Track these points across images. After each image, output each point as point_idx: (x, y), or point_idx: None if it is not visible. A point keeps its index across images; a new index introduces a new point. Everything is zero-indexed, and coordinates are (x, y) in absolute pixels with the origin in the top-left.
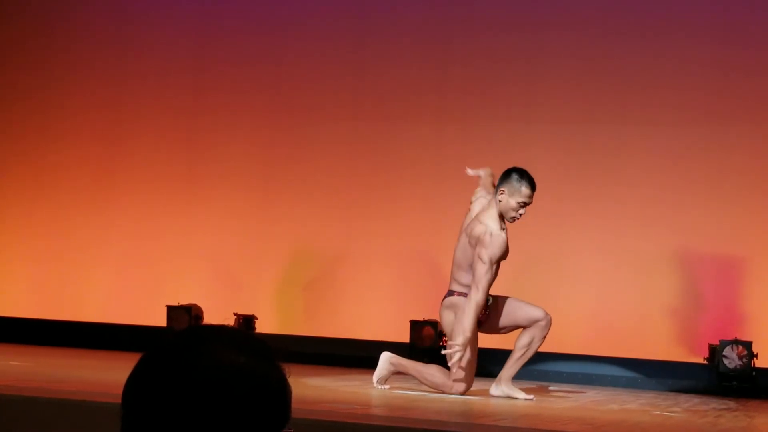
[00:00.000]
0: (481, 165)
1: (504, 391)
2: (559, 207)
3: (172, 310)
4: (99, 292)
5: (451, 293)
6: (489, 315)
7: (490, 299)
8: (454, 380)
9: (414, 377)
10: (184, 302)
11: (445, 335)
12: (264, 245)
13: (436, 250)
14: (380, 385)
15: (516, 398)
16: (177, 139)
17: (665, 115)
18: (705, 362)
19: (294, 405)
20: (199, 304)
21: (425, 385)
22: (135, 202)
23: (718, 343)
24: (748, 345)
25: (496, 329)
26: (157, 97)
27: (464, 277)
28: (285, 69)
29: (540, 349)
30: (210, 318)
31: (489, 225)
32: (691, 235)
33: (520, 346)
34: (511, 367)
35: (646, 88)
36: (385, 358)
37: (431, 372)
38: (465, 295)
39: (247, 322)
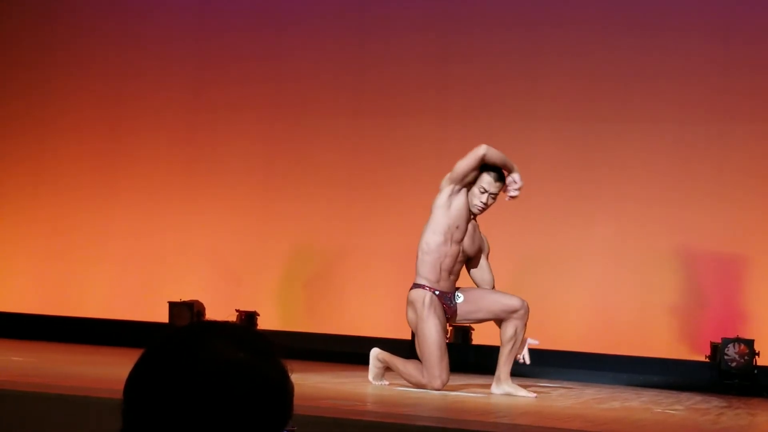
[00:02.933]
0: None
1: (505, 390)
2: (560, 204)
3: (174, 307)
4: (101, 288)
5: (410, 287)
6: (456, 310)
7: (460, 297)
8: (428, 379)
9: (396, 373)
10: (186, 298)
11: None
12: (266, 242)
13: None
14: (376, 382)
15: (518, 396)
16: (178, 136)
17: (667, 112)
18: (707, 360)
19: (295, 401)
20: (201, 300)
21: (405, 381)
22: (137, 199)
23: (720, 341)
24: (749, 343)
25: (471, 319)
26: (158, 93)
27: (419, 267)
28: (286, 65)
29: (541, 347)
30: (212, 314)
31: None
32: (693, 233)
33: (507, 339)
34: (505, 363)
35: (648, 86)
36: (374, 354)
37: (409, 370)
38: (419, 287)
39: (248, 318)
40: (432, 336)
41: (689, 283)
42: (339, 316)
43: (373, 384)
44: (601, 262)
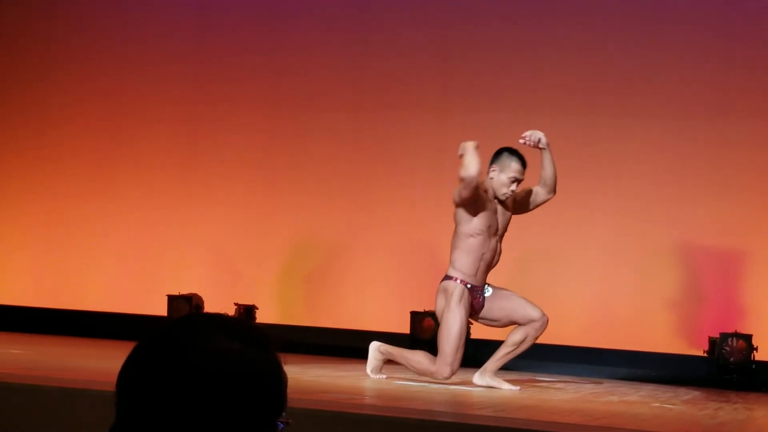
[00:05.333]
0: (482, 156)
1: (488, 382)
2: (559, 199)
3: (172, 300)
4: (100, 282)
5: (444, 277)
6: (484, 305)
7: (489, 290)
8: (439, 366)
9: (401, 364)
10: (184, 292)
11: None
12: (265, 235)
13: (437, 241)
14: (375, 375)
15: (501, 389)
16: (178, 129)
17: (667, 107)
18: (705, 355)
19: (294, 395)
20: (199, 294)
21: (412, 371)
22: (136, 192)
23: (718, 335)
24: (748, 338)
25: (491, 322)
26: (157, 87)
27: (455, 260)
28: (286, 59)
29: (540, 341)
30: (211, 308)
31: None
32: (691, 228)
33: (512, 343)
34: (498, 361)
35: (649, 81)
36: (374, 347)
37: (417, 359)
38: (453, 279)
39: (247, 312)
40: (455, 326)
41: (688, 278)
42: (338, 310)
43: (371, 377)
44: (599, 257)
